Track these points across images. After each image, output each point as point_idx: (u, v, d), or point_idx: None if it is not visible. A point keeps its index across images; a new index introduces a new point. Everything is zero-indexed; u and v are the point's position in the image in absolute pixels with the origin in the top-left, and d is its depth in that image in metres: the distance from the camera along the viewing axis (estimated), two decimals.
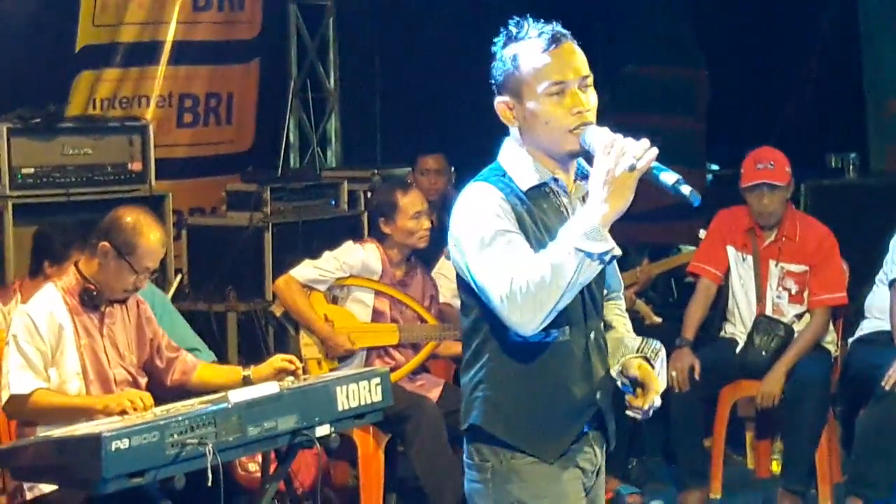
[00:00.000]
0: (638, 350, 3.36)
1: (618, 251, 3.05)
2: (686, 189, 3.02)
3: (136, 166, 7.05)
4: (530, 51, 3.20)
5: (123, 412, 4.46)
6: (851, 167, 7.99)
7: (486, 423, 3.26)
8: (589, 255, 3.01)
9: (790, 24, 9.60)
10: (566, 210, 3.27)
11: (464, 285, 3.26)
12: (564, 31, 3.23)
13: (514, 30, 3.24)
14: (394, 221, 5.99)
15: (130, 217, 4.85)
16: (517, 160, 3.25)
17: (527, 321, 3.07)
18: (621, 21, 9.63)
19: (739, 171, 6.37)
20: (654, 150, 3.03)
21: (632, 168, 3.01)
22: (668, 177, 3.03)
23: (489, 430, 3.26)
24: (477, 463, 3.30)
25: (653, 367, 3.33)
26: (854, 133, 9.22)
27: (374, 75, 9.67)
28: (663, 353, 3.40)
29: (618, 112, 9.72)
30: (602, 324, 3.39)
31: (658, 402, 3.30)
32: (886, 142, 9.35)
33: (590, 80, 3.21)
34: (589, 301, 3.27)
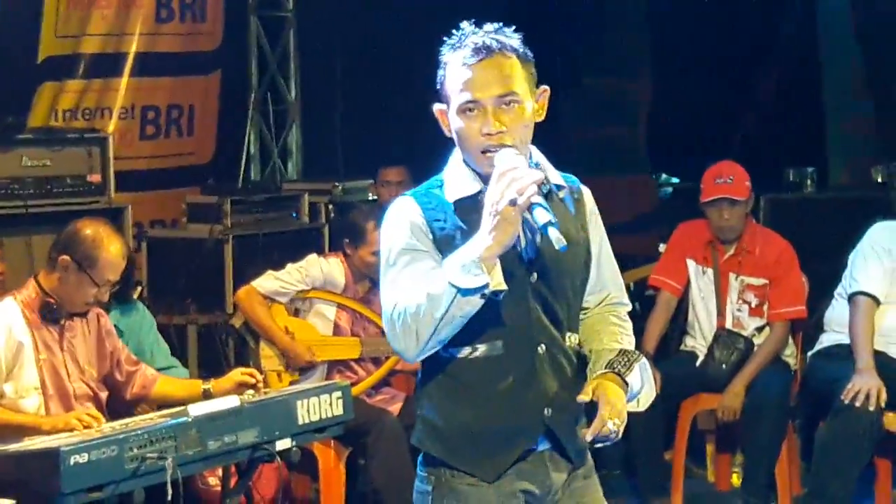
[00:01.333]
0: (608, 365, 3.16)
1: (502, 286, 2.93)
2: (553, 234, 2.88)
3: (96, 178, 7.00)
4: (456, 62, 3.07)
5: (73, 431, 4.42)
6: (810, 181, 8.03)
7: (422, 442, 3.20)
8: (461, 290, 2.91)
9: (751, 38, 9.66)
10: None
11: None
12: (494, 43, 3.06)
13: (456, 36, 3.11)
14: (356, 248, 5.97)
15: (90, 230, 4.82)
16: (453, 170, 3.15)
17: (404, 348, 3.02)
18: (581, 32, 9.67)
19: (699, 185, 6.39)
20: (534, 188, 2.89)
21: (512, 202, 2.89)
22: (542, 216, 2.90)
23: (426, 449, 3.19)
24: (423, 474, 3.22)
25: (625, 382, 3.13)
26: (813, 147, 9.29)
27: (335, 87, 9.65)
28: (643, 362, 3.22)
29: (579, 125, 9.78)
30: (567, 337, 3.19)
31: (612, 426, 3.06)
32: (846, 156, 9.43)
33: (512, 98, 3.04)
34: (540, 313, 3.11)
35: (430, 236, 3.08)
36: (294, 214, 7.95)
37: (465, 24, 3.13)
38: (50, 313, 4.77)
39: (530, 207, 2.91)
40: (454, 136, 3.13)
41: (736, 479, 6.67)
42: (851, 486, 5.79)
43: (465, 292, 2.91)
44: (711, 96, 9.65)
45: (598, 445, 3.16)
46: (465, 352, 3.10)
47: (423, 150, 8.22)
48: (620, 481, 6.64)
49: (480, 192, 3.07)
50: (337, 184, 8.36)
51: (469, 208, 3.08)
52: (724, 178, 6.27)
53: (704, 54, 9.77)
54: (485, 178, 3.07)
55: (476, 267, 2.90)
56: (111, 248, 4.78)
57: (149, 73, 8.37)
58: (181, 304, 7.28)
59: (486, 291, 2.92)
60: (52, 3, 7.71)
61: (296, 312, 6.02)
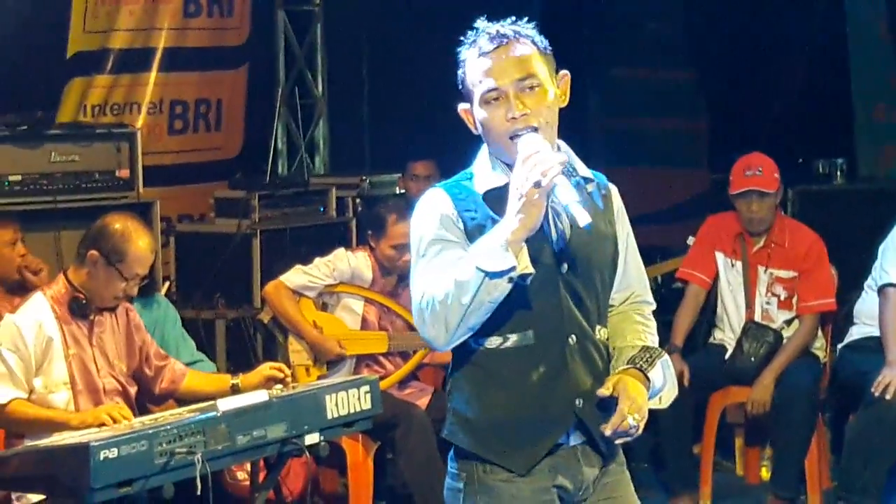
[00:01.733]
0: (630, 361, 3.17)
1: (529, 269, 2.94)
2: (576, 210, 2.91)
3: (124, 173, 7.02)
4: (472, 56, 3.11)
5: (102, 426, 4.44)
6: (839, 173, 7.99)
7: (453, 435, 3.18)
8: (489, 273, 2.92)
9: (778, 29, 9.60)
10: None
11: None
12: (508, 31, 3.10)
13: (474, 34, 3.14)
14: (378, 240, 5.98)
15: (119, 224, 4.84)
16: (482, 163, 3.17)
17: (434, 337, 3.02)
18: (610, 23, 9.63)
19: (728, 177, 6.37)
20: (558, 168, 2.91)
21: (537, 184, 2.91)
22: (565, 195, 2.94)
23: (457, 442, 3.17)
24: (455, 471, 3.21)
25: (647, 378, 3.13)
26: (842, 138, 9.24)
27: (362, 81, 9.66)
28: (665, 358, 3.23)
29: (607, 116, 9.75)
30: (597, 329, 3.19)
31: (632, 421, 3.06)
32: (876, 146, 9.37)
33: (532, 81, 3.06)
34: (571, 304, 3.11)
35: (462, 227, 3.09)
36: (321, 209, 7.95)
37: (479, 22, 3.15)
38: (79, 308, 4.79)
39: (553, 188, 2.93)
40: (480, 131, 3.14)
41: (765, 473, 6.65)
42: (882, 478, 5.78)
43: (493, 275, 2.92)
44: (740, 88, 9.61)
45: (619, 441, 3.16)
46: (495, 342, 3.09)
47: (450, 145, 8.22)
48: (648, 474, 6.63)
49: (508, 184, 3.07)
50: (364, 178, 8.36)
51: (498, 199, 3.09)
52: (754, 170, 6.25)
53: (732, 46, 9.72)
54: (513, 169, 3.08)
55: (503, 250, 2.91)
56: (140, 243, 4.80)
57: (177, 68, 8.39)
58: (209, 299, 7.30)
59: (514, 275, 2.93)
60: None
61: (324, 307, 6.02)
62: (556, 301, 3.11)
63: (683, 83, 10.07)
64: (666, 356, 3.26)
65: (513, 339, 3.10)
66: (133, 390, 4.93)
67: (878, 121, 9.47)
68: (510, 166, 3.09)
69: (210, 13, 8.60)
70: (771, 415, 6.18)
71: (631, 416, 3.07)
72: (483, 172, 3.15)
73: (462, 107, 3.18)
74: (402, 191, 8.01)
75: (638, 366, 3.16)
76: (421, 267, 3.07)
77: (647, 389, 3.14)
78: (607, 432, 3.09)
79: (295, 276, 5.94)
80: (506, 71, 3.07)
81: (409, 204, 6.63)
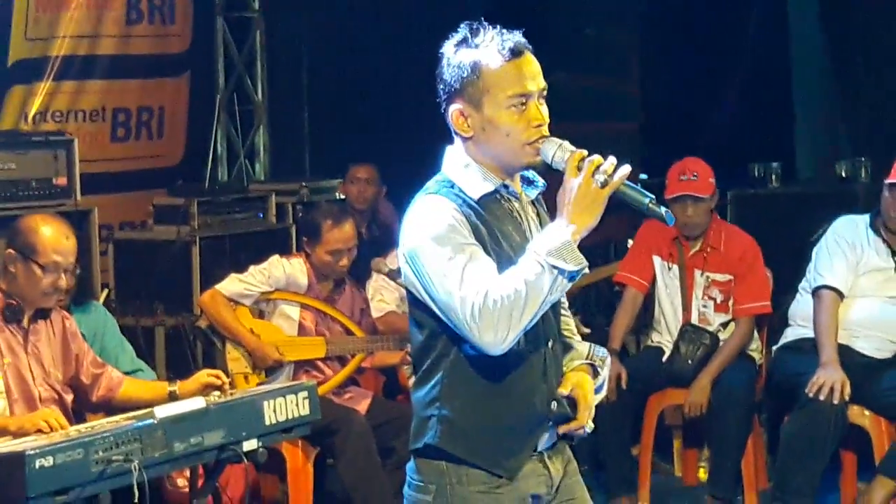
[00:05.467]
0: (589, 359, 3.31)
1: (587, 269, 3.03)
2: (660, 209, 3.01)
3: (62, 181, 6.99)
4: (493, 59, 3.12)
5: (39, 432, 4.42)
6: (774, 176, 8.07)
7: (444, 442, 3.17)
8: (563, 272, 2.97)
9: (718, 33, 9.68)
10: (519, 215, 3.22)
11: (417, 302, 3.17)
12: (525, 41, 3.16)
13: (469, 34, 3.16)
14: (313, 247, 5.98)
15: (28, 220, 4.88)
16: (465, 169, 3.18)
17: (499, 339, 3.00)
18: (551, 29, 9.69)
19: (665, 181, 6.42)
20: (627, 167, 3.00)
21: (604, 184, 2.99)
22: (641, 196, 3.02)
23: (448, 448, 3.16)
24: (420, 483, 3.22)
25: (598, 375, 3.29)
26: (782, 142, 9.32)
27: (302, 87, 9.67)
28: (609, 359, 3.37)
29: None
30: (558, 332, 3.30)
31: (587, 428, 3.24)
32: (817, 149, 9.46)
33: (545, 92, 3.16)
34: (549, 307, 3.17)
35: (469, 232, 3.11)
36: (261, 215, 7.95)
37: (467, 25, 3.18)
38: (13, 314, 4.76)
39: (624, 189, 3.02)
40: (488, 134, 3.15)
41: (703, 474, 6.70)
42: (817, 479, 5.83)
43: (572, 275, 2.99)
44: (680, 92, 9.68)
45: (566, 442, 3.30)
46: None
47: (390, 150, 8.29)
48: (588, 476, 6.61)
49: (496, 191, 3.17)
50: (304, 184, 8.36)
51: (491, 205, 3.16)
52: (689, 175, 6.30)
53: (672, 50, 9.80)
54: (510, 172, 3.19)
55: (573, 250, 2.98)
56: (46, 230, 4.78)
57: (119, 76, 8.37)
58: (148, 306, 7.28)
59: (579, 275, 3.01)
60: (22, 6, 7.70)
61: (260, 314, 6.02)
62: None
63: (622, 89, 10.15)
64: (608, 355, 3.39)
65: None
66: (69, 398, 4.91)
67: (821, 124, 9.56)
68: (506, 171, 3.17)
69: (151, 20, 8.58)
70: (708, 416, 6.24)
71: (588, 424, 3.22)
72: (468, 180, 3.17)
73: (456, 107, 3.17)
74: (342, 196, 8.02)
75: (595, 366, 3.31)
76: (452, 270, 3.04)
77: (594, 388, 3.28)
78: (561, 431, 3.22)
79: (230, 285, 5.94)
80: (535, 78, 3.15)
81: (345, 209, 6.65)
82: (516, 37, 3.16)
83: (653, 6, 10.04)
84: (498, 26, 3.17)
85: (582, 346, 3.35)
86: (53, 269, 4.78)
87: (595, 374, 3.31)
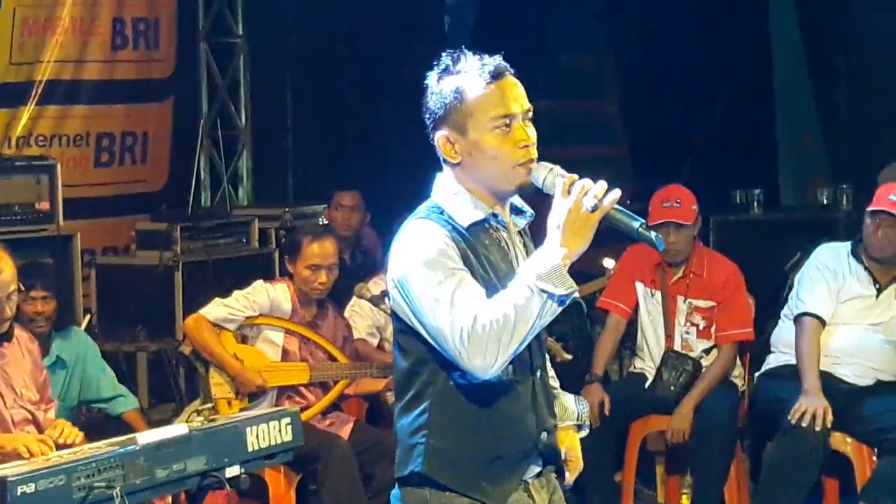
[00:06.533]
0: (577, 418, 3.40)
1: (578, 293, 3.03)
2: (650, 233, 3.02)
3: (44, 206, 7.00)
4: (474, 83, 3.14)
5: (19, 457, 4.40)
6: (756, 203, 8.10)
7: (430, 469, 3.16)
8: (552, 296, 2.97)
9: (702, 59, 9.72)
10: (507, 245, 3.22)
11: (403, 327, 3.17)
12: (506, 65, 3.17)
13: (450, 62, 3.17)
14: (294, 264, 5.97)
15: None
16: (455, 196, 3.18)
17: (489, 363, 3.00)
18: (530, 55, 9.73)
19: (648, 208, 6.44)
20: (617, 192, 3.00)
21: (594, 208, 2.99)
22: (631, 220, 3.02)
23: (434, 476, 3.16)
24: None
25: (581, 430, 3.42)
26: (765, 169, 9.36)
27: (285, 113, 9.69)
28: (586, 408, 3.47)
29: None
30: (545, 362, 3.32)
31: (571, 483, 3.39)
32: (800, 176, 9.50)
33: (530, 114, 3.17)
34: (533, 339, 3.13)
35: (459, 257, 3.11)
36: (244, 240, 7.96)
37: (449, 54, 3.20)
38: None
39: (615, 213, 3.02)
40: (475, 159, 3.16)
41: (686, 501, 6.69)
42: None
43: (562, 299, 2.99)
44: (663, 118, 9.72)
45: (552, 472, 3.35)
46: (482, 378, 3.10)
47: (372, 175, 8.30)
48: (570, 502, 6.65)
49: (486, 220, 3.18)
50: (286, 209, 8.37)
51: (479, 233, 3.17)
52: (671, 202, 6.31)
53: (655, 76, 9.84)
54: (501, 198, 3.20)
55: (562, 274, 2.98)
56: None
57: (103, 101, 8.40)
58: (131, 332, 7.28)
59: (568, 299, 3.01)
60: (7, 29, 7.71)
61: (244, 339, 6.01)
62: None
63: (604, 113, 10.19)
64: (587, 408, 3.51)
65: (497, 375, 3.10)
66: (41, 415, 4.87)
67: (803, 152, 9.60)
68: (496, 196, 3.18)
69: (136, 45, 8.60)
70: (691, 443, 6.24)
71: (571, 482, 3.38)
72: (457, 207, 3.17)
73: (442, 134, 3.18)
74: (327, 222, 8.02)
75: (580, 424, 3.46)
76: (442, 295, 3.04)
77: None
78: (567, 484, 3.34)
79: (214, 310, 5.93)
80: (518, 100, 3.16)
81: (328, 230, 6.66)
82: (496, 60, 3.17)
83: (630, 32, 10.09)
84: (478, 53, 3.18)
85: (569, 402, 3.40)
86: None
87: (579, 429, 3.43)
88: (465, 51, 3.19)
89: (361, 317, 6.52)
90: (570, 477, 3.34)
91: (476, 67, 3.15)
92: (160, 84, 8.87)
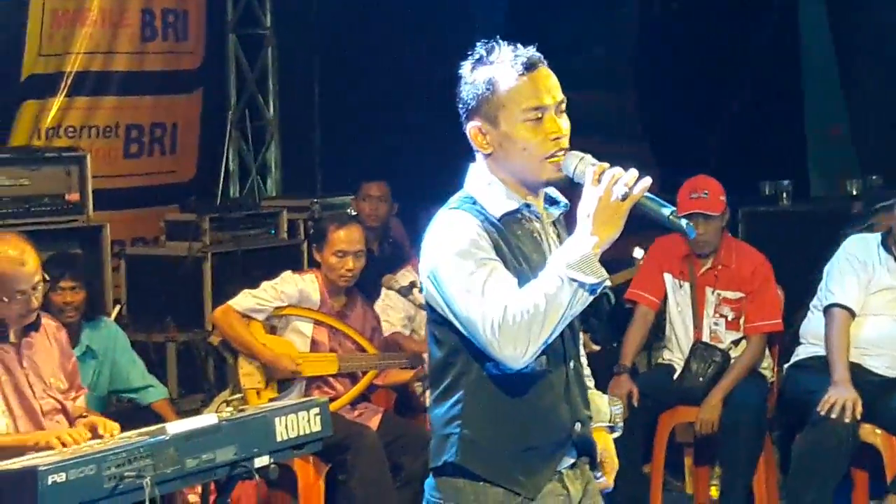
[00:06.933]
0: (610, 419, 3.39)
1: (609, 282, 3.02)
2: (681, 221, 3.01)
3: (74, 197, 7.02)
4: (507, 74, 3.13)
5: (51, 447, 4.42)
6: (785, 194, 8.07)
7: (464, 460, 3.15)
8: (583, 285, 2.96)
9: (728, 48, 9.68)
10: (540, 236, 3.21)
11: (437, 318, 3.17)
12: (539, 56, 3.16)
13: (484, 52, 3.17)
14: (321, 253, 5.98)
15: None
16: (488, 187, 3.18)
17: (520, 353, 3.00)
18: (556, 47, 9.71)
19: (676, 198, 6.42)
20: (648, 179, 2.99)
21: (624, 197, 2.97)
22: (661, 208, 3.01)
23: (468, 466, 3.16)
24: (438, 501, 3.21)
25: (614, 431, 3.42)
26: (793, 160, 9.32)
27: (313, 104, 9.70)
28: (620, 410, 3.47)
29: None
30: (579, 352, 3.31)
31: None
32: (830, 167, 9.45)
33: (564, 105, 3.16)
34: (566, 329, 3.13)
35: (491, 248, 3.10)
36: (273, 231, 7.98)
37: (483, 44, 3.19)
38: None
39: (645, 201, 3.00)
40: (506, 150, 3.15)
41: (714, 492, 6.68)
42: (828, 497, 5.82)
43: (593, 288, 2.98)
44: (690, 108, 9.69)
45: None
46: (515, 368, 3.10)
47: (400, 166, 8.30)
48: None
49: (518, 210, 3.16)
50: (315, 200, 8.38)
51: (512, 224, 3.16)
52: (699, 193, 6.29)
53: (682, 66, 9.80)
54: (533, 189, 3.18)
55: (593, 263, 2.97)
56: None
57: (133, 92, 8.42)
58: (160, 322, 7.30)
59: (599, 288, 3.00)
60: (37, 21, 7.74)
61: (272, 330, 6.02)
62: None
63: (630, 105, 10.16)
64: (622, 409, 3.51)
65: (530, 365, 3.09)
66: (70, 405, 4.90)
67: (833, 143, 9.56)
68: (528, 188, 3.17)
69: (165, 37, 8.63)
70: (719, 434, 6.23)
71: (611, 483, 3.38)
72: (491, 197, 3.17)
73: (473, 124, 3.18)
74: (355, 212, 8.03)
75: (612, 426, 3.44)
76: (473, 285, 3.04)
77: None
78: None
79: (243, 300, 5.94)
80: (550, 91, 3.14)
81: (356, 219, 6.67)
82: (530, 51, 3.16)
83: (656, 21, 10.06)
84: (512, 44, 3.17)
85: (602, 402, 3.39)
86: (14, 295, 4.68)
87: (612, 431, 3.43)
88: (500, 41, 3.18)
89: (394, 309, 6.52)
90: (607, 480, 3.34)
91: (509, 58, 3.14)
92: (189, 75, 8.90)
